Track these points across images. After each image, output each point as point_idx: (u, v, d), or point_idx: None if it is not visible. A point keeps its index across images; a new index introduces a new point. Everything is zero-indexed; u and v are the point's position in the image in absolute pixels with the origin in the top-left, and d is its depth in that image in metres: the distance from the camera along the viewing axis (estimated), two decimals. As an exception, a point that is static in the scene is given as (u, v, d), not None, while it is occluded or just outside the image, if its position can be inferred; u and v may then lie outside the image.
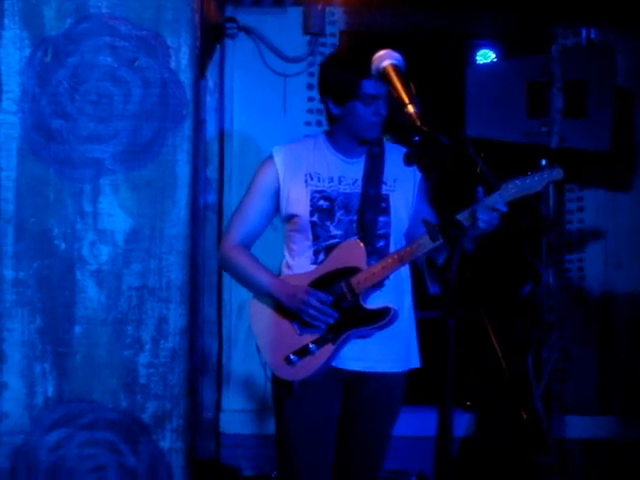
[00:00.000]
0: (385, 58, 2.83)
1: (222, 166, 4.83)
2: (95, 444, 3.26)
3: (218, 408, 4.90)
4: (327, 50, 4.83)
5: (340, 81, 3.12)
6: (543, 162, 4.78)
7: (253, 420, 4.93)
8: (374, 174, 3.24)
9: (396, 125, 2.84)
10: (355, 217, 3.19)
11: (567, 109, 4.65)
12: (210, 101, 4.75)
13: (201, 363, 4.72)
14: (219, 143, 4.83)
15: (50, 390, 3.24)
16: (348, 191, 3.18)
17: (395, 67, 2.82)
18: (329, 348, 3.12)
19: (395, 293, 3.19)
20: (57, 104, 3.17)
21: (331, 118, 3.18)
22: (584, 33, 5.11)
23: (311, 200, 3.15)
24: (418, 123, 2.68)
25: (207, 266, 4.62)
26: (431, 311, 3.57)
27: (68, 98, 3.16)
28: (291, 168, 3.19)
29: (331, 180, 3.19)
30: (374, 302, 3.12)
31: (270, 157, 3.19)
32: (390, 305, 3.10)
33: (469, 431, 5.10)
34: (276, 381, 3.16)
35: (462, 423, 5.08)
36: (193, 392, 3.41)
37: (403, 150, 3.27)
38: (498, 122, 4.78)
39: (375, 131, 3.15)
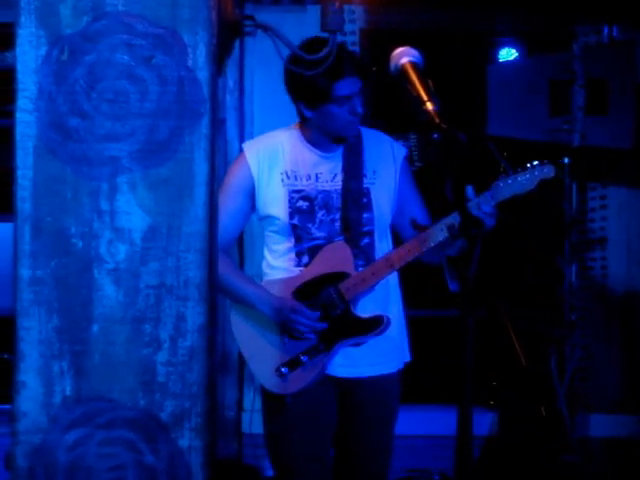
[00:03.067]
0: (403, 55, 2.81)
1: (241, 165, 4.82)
2: (113, 443, 3.24)
3: (240, 408, 4.90)
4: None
5: (311, 85, 3.02)
6: (565, 160, 4.75)
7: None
8: (354, 166, 3.15)
9: (416, 123, 2.81)
10: (337, 215, 3.10)
11: (589, 107, 4.62)
12: (230, 100, 4.75)
13: (222, 362, 4.70)
14: (239, 142, 4.83)
15: (68, 389, 3.23)
16: (327, 188, 3.10)
17: (413, 64, 2.80)
18: (321, 358, 3.04)
19: (382, 294, 3.11)
20: (73, 102, 3.16)
21: (303, 119, 3.11)
22: (606, 31, 5.07)
23: (289, 201, 3.07)
24: (437, 121, 2.66)
25: (227, 265, 4.59)
26: (451, 309, 3.54)
27: (85, 96, 3.14)
28: (265, 166, 3.10)
29: (308, 178, 3.11)
30: (364, 306, 3.04)
31: (242, 155, 3.10)
32: (383, 314, 3.03)
33: (492, 430, 5.07)
34: (265, 394, 3.06)
35: (485, 422, 5.04)
36: (212, 391, 3.39)
37: (380, 134, 3.21)
38: (519, 120, 4.76)
39: (353, 129, 3.09)
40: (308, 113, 3.10)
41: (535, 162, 2.97)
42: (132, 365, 3.20)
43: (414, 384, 3.34)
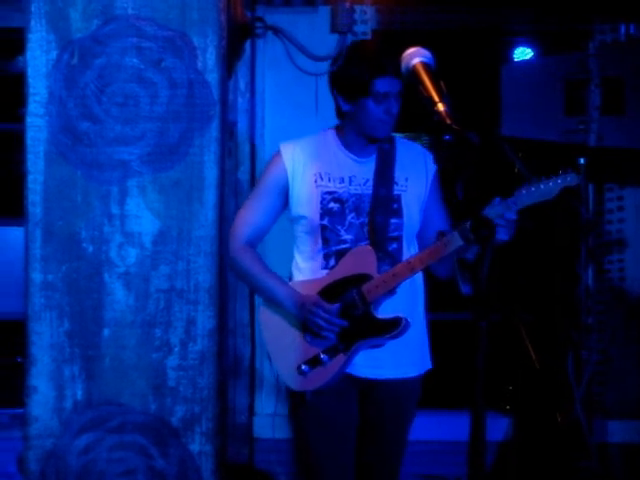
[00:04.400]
0: (414, 56, 2.80)
1: (253, 168, 4.83)
2: (124, 447, 3.24)
3: (251, 412, 4.89)
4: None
5: (352, 78, 3.08)
6: (582, 161, 4.71)
7: (287, 424, 4.90)
8: (385, 174, 3.18)
9: (428, 124, 2.79)
10: (366, 219, 3.13)
11: (605, 106, 4.57)
12: (241, 102, 4.74)
13: (234, 367, 4.69)
14: (250, 144, 4.82)
15: (79, 393, 3.23)
16: (359, 192, 3.13)
17: (425, 65, 2.78)
18: (341, 358, 3.06)
19: (408, 299, 3.13)
20: (84, 106, 3.16)
21: (340, 114, 3.14)
22: (623, 29, 5.03)
23: (321, 202, 3.11)
24: (448, 121, 2.64)
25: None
26: (463, 312, 3.51)
27: (95, 100, 3.14)
28: (300, 166, 3.15)
29: (342, 180, 3.15)
30: (386, 309, 3.06)
31: (278, 153, 3.15)
32: (401, 315, 3.04)
33: (508, 435, 5.03)
34: (290, 393, 3.12)
35: (501, 427, 5.00)
36: (223, 395, 3.37)
37: (415, 145, 3.23)
38: (535, 121, 4.71)
39: (385, 129, 3.11)
40: (346, 107, 3.12)
41: (559, 172, 2.96)
42: (143, 369, 3.20)
43: (427, 388, 3.32)
